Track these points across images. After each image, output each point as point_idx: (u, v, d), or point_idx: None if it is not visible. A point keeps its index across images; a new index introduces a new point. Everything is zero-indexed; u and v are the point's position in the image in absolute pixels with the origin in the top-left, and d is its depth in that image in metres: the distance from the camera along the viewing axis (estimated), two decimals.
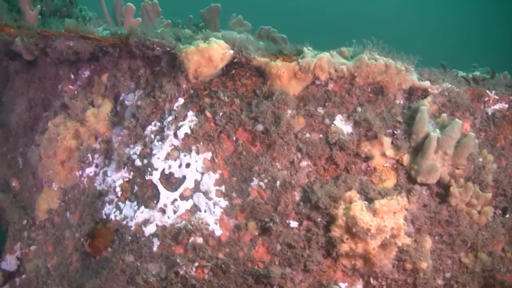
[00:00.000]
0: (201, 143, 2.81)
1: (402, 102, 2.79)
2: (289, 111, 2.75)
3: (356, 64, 2.76)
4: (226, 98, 2.83)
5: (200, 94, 2.90)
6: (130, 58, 3.22)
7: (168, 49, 2.91)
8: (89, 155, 3.19)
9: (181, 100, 2.91)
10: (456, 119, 2.60)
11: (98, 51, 3.27)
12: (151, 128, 2.95)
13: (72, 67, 3.58)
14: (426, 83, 2.79)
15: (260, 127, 2.73)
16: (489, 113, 2.82)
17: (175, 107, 2.90)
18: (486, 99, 2.82)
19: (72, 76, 3.57)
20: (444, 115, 2.71)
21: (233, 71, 2.91)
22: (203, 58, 2.82)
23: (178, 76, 2.91)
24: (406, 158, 2.69)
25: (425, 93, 2.79)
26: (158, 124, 2.94)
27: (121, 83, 3.20)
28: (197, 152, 2.79)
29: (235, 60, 2.86)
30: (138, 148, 2.95)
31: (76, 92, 3.47)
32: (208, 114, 2.83)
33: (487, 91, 2.82)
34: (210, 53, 2.80)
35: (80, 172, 3.26)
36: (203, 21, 4.87)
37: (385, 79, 2.74)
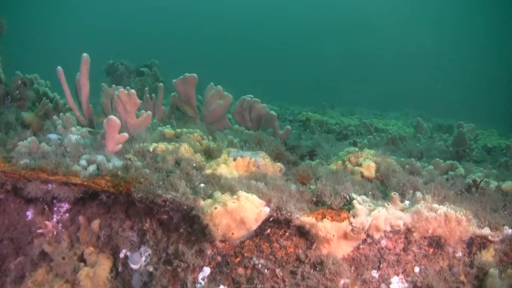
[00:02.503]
0: None
1: (461, 254, 2.47)
2: (342, 281, 2.33)
3: (414, 218, 2.38)
4: (265, 270, 2.32)
5: (231, 262, 2.37)
6: (128, 203, 2.57)
7: (185, 207, 2.31)
8: None
9: (206, 270, 2.36)
10: None
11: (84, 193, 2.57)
12: None
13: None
14: (487, 231, 2.48)
15: None
16: None
17: (200, 279, 2.35)
18: None
19: (46, 208, 2.82)
20: (510, 271, 2.44)
21: (269, 230, 2.40)
22: (234, 221, 2.26)
23: (201, 242, 2.34)
24: None
25: (484, 240, 2.50)
26: None
27: (119, 235, 2.55)
28: None
29: (271, 219, 2.35)
30: None
31: (55, 232, 2.74)
32: None
33: None
34: (243, 215, 2.25)
35: None
36: (176, 92, 4.14)
37: (445, 232, 2.39)
